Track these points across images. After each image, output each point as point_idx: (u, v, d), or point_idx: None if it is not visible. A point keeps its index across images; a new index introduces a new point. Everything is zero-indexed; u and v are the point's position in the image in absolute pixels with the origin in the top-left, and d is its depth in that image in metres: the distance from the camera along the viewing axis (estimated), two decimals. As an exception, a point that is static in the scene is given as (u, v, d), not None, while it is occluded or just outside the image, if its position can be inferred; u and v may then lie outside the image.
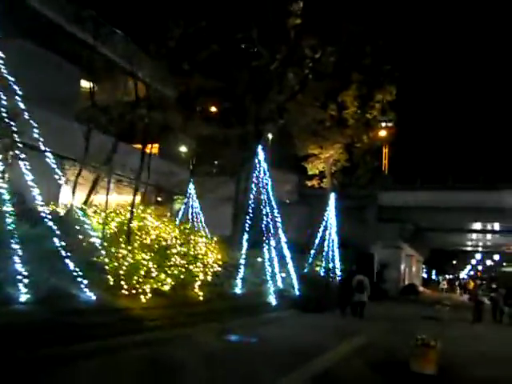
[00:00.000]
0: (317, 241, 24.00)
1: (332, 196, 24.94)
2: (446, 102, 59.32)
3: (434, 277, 79.99)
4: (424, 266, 63.68)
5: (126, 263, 10.35)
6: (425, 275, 68.51)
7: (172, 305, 11.26)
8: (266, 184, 17.80)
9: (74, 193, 20.27)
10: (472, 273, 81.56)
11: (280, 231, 18.54)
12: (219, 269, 14.17)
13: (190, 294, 12.45)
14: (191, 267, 12.22)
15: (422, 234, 41.84)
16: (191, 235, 13.58)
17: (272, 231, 17.64)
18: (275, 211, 18.19)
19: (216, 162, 31.58)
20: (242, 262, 15.43)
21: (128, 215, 13.36)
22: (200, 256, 13.03)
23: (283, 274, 18.74)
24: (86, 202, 16.66)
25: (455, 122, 66.70)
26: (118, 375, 6.99)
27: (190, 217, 25.10)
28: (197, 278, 12.53)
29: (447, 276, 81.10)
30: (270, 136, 37.36)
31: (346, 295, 17.92)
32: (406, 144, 37.87)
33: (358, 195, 31.36)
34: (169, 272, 11.32)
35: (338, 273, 24.55)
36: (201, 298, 12.60)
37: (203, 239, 14.48)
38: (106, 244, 10.96)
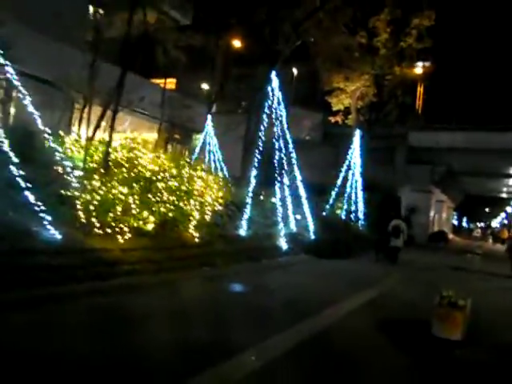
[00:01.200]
0: (339, 181, 22.10)
1: (357, 133, 22.71)
2: (490, 35, 53.63)
3: (464, 224, 77.38)
4: (455, 213, 61.15)
5: (98, 197, 8.80)
6: (455, 222, 66.05)
7: (158, 247, 9.77)
8: (281, 116, 15.80)
9: (70, 124, 18.96)
10: (506, 221, 78.34)
11: (296, 169, 16.72)
12: (220, 208, 12.54)
13: (184, 235, 10.95)
14: (182, 204, 10.59)
15: (455, 179, 39.19)
16: (186, 168, 11.81)
17: (286, 168, 15.84)
18: (290, 146, 16.28)
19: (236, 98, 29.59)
20: (249, 201, 13.79)
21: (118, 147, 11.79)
22: (195, 192, 11.35)
23: (298, 216, 17.11)
24: (91, 138, 15.15)
25: (497, 58, 60.96)
26: (60, 327, 5.56)
27: (206, 154, 23.69)
28: (191, 217, 10.95)
29: (478, 224, 78.30)
30: (295, 71, 34.84)
31: (382, 239, 17.03)
32: (441, 83, 34.42)
33: (386, 134, 28.90)
34: (154, 209, 9.75)
35: (361, 216, 22.79)
36: (196, 240, 11.11)
37: (202, 173, 12.73)
38: (81, 175, 9.41)
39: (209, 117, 24.35)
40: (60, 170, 9.43)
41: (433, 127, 31.12)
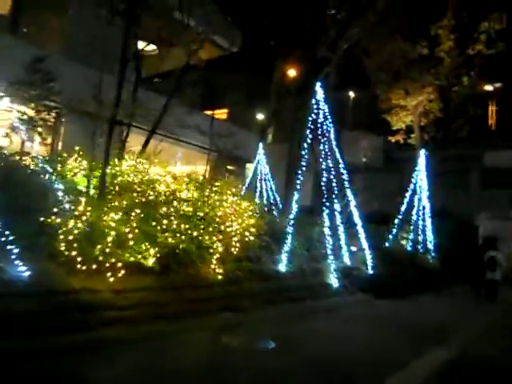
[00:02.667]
0: (403, 208, 19.22)
1: (422, 153, 19.86)
2: None
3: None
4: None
5: (79, 224, 6.95)
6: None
7: (163, 286, 7.73)
8: (328, 131, 13.54)
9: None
10: None
11: (349, 193, 14.25)
12: (252, 238, 10.33)
13: (203, 271, 8.84)
14: (196, 233, 8.48)
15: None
16: (212, 193, 9.73)
17: (336, 192, 13.44)
18: (341, 166, 13.91)
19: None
20: (290, 230, 11.51)
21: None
22: (217, 219, 9.23)
23: (353, 248, 14.54)
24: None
25: None
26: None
27: (258, 184, 22.04)
28: (212, 250, 8.84)
29: None
30: (351, 94, 32.56)
31: (478, 273, 15.44)
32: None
33: (457, 155, 25.66)
34: (158, 239, 7.76)
35: (431, 247, 19.64)
36: (219, 278, 8.96)
37: (232, 198, 10.58)
38: (71, 199, 7.65)
39: (260, 144, 22.65)
40: (50, 195, 7.76)
41: (510, 145, 27.39)
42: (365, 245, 14.13)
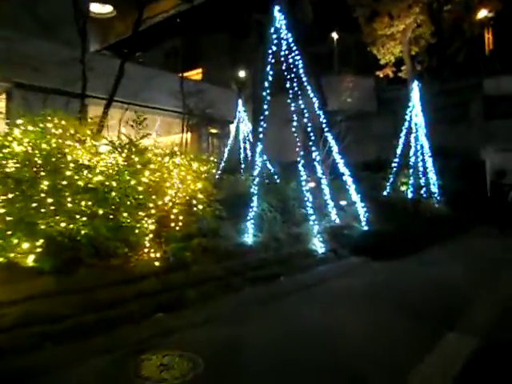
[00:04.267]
0: (399, 150, 16.64)
1: (415, 85, 17.11)
2: None
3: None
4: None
5: None
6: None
7: (64, 290, 5.41)
8: (295, 66, 10.87)
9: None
10: None
11: (331, 140, 11.69)
12: (201, 207, 7.88)
13: (133, 260, 6.48)
14: (102, 211, 6.02)
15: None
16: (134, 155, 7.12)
17: (313, 139, 10.91)
18: (317, 108, 11.30)
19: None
20: (254, 190, 9.06)
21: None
22: (141, 189, 6.69)
23: (343, 203, 12.15)
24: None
25: None
26: None
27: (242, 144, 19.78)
28: (137, 230, 6.43)
29: None
30: (335, 36, 29.41)
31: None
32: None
33: (454, 88, 22.81)
34: (44, 226, 5.36)
35: (434, 190, 17.16)
36: (156, 264, 6.61)
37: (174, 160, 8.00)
38: None
39: (239, 102, 20.07)
40: None
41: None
42: (355, 197, 11.69)
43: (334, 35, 30.51)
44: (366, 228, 11.22)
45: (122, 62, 14.56)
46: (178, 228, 7.26)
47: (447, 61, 19.44)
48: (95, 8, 23.70)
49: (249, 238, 8.55)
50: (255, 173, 9.19)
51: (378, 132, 25.35)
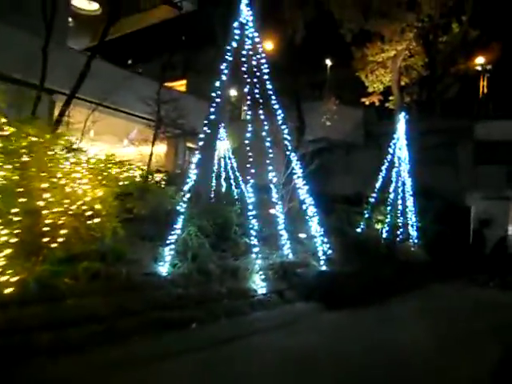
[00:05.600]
0: (378, 184, 14.85)
1: (401, 117, 15.45)
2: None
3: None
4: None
5: None
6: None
7: None
8: (260, 71, 9.12)
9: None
10: None
11: (294, 164, 9.82)
12: (99, 220, 5.91)
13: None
14: None
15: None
16: None
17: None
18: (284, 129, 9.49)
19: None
20: (182, 208, 7.11)
21: None
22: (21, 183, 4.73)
23: (302, 235, 10.24)
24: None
25: None
26: None
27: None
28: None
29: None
30: (328, 63, 28.06)
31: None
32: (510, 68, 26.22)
33: (444, 128, 21.26)
34: None
35: (413, 233, 15.28)
36: (6, 292, 4.60)
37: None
38: None
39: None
40: None
41: (506, 115, 22.99)
42: (318, 230, 9.77)
43: (328, 62, 29.22)
44: (324, 268, 9.25)
45: (89, 58, 12.86)
46: (56, 245, 5.26)
47: (437, 96, 17.87)
48: (81, 4, 22.15)
49: (164, 268, 6.55)
50: (185, 187, 7.23)
51: (363, 166, 23.59)
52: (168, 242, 6.77)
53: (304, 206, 9.82)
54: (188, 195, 7.11)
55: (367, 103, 19.27)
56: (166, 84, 23.75)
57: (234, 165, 16.58)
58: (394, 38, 15.54)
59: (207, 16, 21.14)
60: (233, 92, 23.97)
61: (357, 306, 8.28)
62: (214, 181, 13.59)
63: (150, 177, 9.75)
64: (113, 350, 4.72)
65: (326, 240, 10.26)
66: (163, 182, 10.60)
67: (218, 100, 8.60)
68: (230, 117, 22.99)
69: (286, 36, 17.39)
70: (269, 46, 19.22)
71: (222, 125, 18.34)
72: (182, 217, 6.96)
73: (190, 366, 4.63)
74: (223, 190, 13.85)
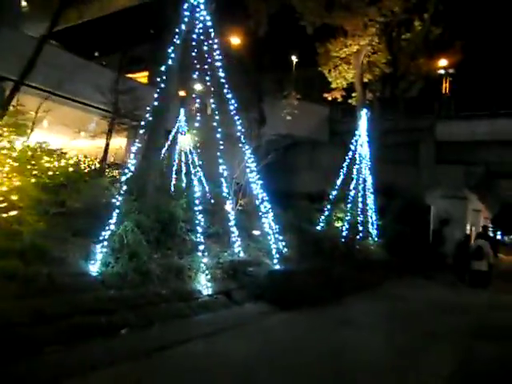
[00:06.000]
0: (339, 181, 14.50)
1: (363, 113, 15.16)
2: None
3: (499, 237, 67.53)
4: (491, 226, 51.90)
5: None
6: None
7: None
8: (210, 57, 8.52)
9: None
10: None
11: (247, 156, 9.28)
12: (15, 213, 5.19)
13: None
14: None
15: (493, 182, 30.70)
16: None
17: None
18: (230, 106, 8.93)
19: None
20: (117, 201, 6.44)
21: None
22: None
23: (256, 232, 9.72)
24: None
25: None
26: None
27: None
28: None
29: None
30: (294, 59, 27.73)
31: (462, 262, 13.44)
32: (473, 69, 26.54)
33: (406, 126, 21.21)
34: None
35: (373, 231, 15.02)
36: None
37: None
38: None
39: (181, 111, 17.52)
40: None
41: (467, 116, 23.18)
42: (271, 227, 9.26)
43: (294, 59, 28.91)
44: (278, 266, 8.75)
45: (39, 43, 11.89)
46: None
47: (400, 93, 17.70)
48: (38, -12, 20.94)
49: (95, 267, 5.87)
50: (123, 178, 6.55)
51: (328, 163, 23.33)
52: (101, 238, 6.08)
53: (258, 202, 9.31)
54: (125, 187, 6.42)
55: (330, 99, 18.91)
56: (128, 75, 22.83)
57: (196, 159, 15.85)
58: (356, 32, 15.20)
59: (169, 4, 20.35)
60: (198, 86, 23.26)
61: (311, 306, 7.82)
62: (173, 175, 12.95)
63: (103, 169, 9.00)
64: (19, 364, 4.04)
65: (281, 237, 9.81)
66: (105, 174, 9.80)
67: (162, 86, 7.95)
68: (196, 111, 22.30)
69: (250, 29, 16.81)
70: (233, 39, 18.62)
71: (183, 118, 17.66)
72: (118, 211, 6.28)
73: (105, 383, 4.00)
74: (183, 185, 13.19)
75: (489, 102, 22.92)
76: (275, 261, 8.79)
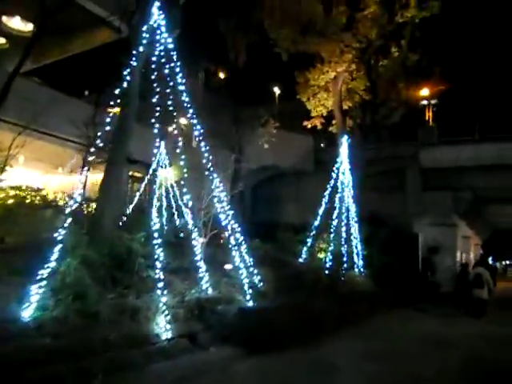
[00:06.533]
0: (321, 211, 13.83)
1: (344, 140, 14.67)
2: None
3: (497, 265, 66.89)
4: (481, 252, 51.32)
5: None
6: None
7: None
8: (174, 81, 8.00)
9: None
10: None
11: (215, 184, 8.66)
12: None
13: None
14: None
15: (481, 208, 30.25)
16: None
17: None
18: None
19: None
20: (60, 235, 5.70)
21: None
22: None
23: (228, 267, 8.96)
24: None
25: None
26: None
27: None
28: None
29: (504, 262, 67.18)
30: (277, 90, 27.63)
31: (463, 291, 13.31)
32: (454, 95, 26.60)
33: (390, 154, 20.84)
34: None
35: (359, 261, 14.25)
36: None
37: None
38: None
39: (162, 144, 16.96)
40: None
41: (451, 141, 22.93)
42: (245, 261, 8.52)
43: (277, 91, 28.82)
44: (250, 303, 7.96)
45: (10, 77, 11.49)
46: None
47: (381, 119, 17.33)
48: (17, 25, 20.67)
49: (28, 311, 5.08)
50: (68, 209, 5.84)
51: (313, 193, 22.74)
52: (39, 277, 5.32)
53: (232, 235, 8.60)
54: (70, 220, 5.71)
55: (309, 127, 18.50)
56: (110, 110, 22.37)
57: (177, 193, 15.17)
58: (333, 59, 14.89)
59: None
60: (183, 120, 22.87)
61: (286, 348, 7.01)
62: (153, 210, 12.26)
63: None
64: None
65: (256, 271, 9.07)
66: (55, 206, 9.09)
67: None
68: (179, 144, 21.79)
69: (229, 61, 16.53)
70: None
71: (164, 151, 17.04)
72: (61, 245, 5.54)
73: None
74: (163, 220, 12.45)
75: (472, 127, 22.77)
76: (247, 297, 7.99)
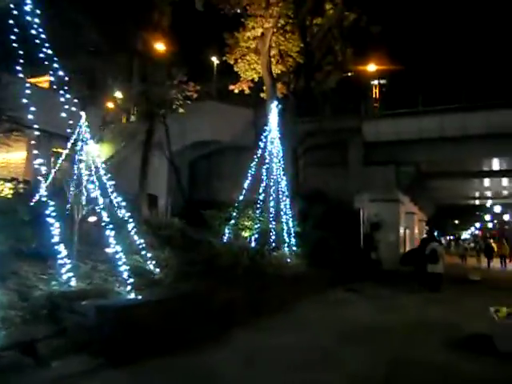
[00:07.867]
0: (246, 185, 12.22)
1: (273, 106, 13.02)
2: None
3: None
4: (426, 228, 51.90)
5: None
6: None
7: None
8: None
9: None
10: (477, 232, 68.98)
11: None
12: None
13: None
14: None
15: (425, 183, 29.86)
16: None
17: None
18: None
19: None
20: None
21: None
22: None
23: (109, 250, 7.18)
24: None
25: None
26: None
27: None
28: None
29: (449, 237, 68.74)
30: (215, 60, 25.61)
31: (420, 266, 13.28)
32: (398, 67, 25.43)
33: (332, 127, 19.45)
34: None
35: (292, 239, 12.80)
36: None
37: None
38: None
39: (82, 115, 14.68)
40: None
41: (394, 114, 21.89)
42: (136, 243, 6.81)
43: (215, 60, 26.82)
44: (132, 296, 6.25)
45: None
46: None
47: (316, 84, 15.79)
48: None
49: None
50: None
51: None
52: None
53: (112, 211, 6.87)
54: None
55: (237, 91, 16.71)
56: (32, 80, 19.75)
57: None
58: (258, 12, 13.11)
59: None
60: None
61: (168, 354, 5.41)
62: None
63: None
64: None
65: (150, 255, 7.39)
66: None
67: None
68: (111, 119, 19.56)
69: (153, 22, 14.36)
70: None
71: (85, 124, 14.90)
72: None
73: None
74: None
75: (415, 100, 21.79)
76: (128, 287, 6.28)
